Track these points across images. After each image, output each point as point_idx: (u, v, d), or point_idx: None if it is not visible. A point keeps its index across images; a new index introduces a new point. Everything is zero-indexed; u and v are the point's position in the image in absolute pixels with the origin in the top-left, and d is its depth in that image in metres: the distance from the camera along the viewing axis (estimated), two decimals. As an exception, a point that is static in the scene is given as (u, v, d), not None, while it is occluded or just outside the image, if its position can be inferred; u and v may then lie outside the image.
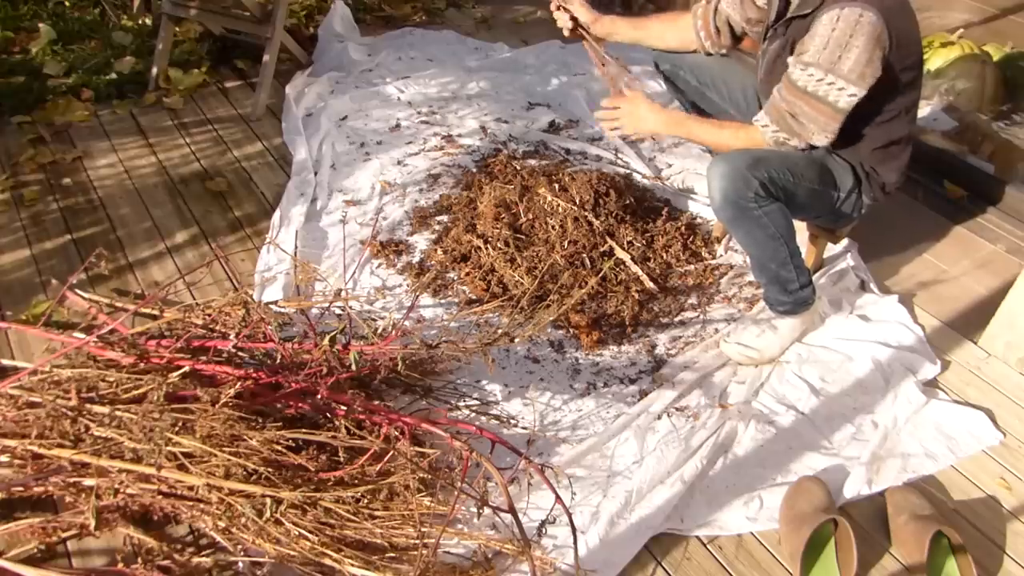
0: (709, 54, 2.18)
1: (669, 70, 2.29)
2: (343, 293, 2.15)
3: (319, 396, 1.57)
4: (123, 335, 1.69)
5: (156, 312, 2.04)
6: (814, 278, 2.25)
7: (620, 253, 2.27)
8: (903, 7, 1.81)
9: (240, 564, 1.53)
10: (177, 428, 1.47)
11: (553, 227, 2.31)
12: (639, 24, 2.27)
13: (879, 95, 1.84)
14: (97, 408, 1.52)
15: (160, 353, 1.67)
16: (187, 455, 1.48)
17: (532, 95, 3.23)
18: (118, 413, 1.49)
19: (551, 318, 1.88)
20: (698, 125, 2.05)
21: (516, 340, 1.81)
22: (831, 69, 1.74)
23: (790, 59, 1.83)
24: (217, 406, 1.49)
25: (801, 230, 2.26)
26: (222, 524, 1.49)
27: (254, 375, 1.63)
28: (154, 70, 3.22)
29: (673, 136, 2.08)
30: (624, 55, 3.61)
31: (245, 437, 1.49)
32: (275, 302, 2.06)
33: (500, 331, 1.79)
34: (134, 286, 2.28)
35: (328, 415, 1.65)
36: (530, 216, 2.36)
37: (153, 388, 1.51)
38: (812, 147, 1.89)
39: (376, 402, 1.72)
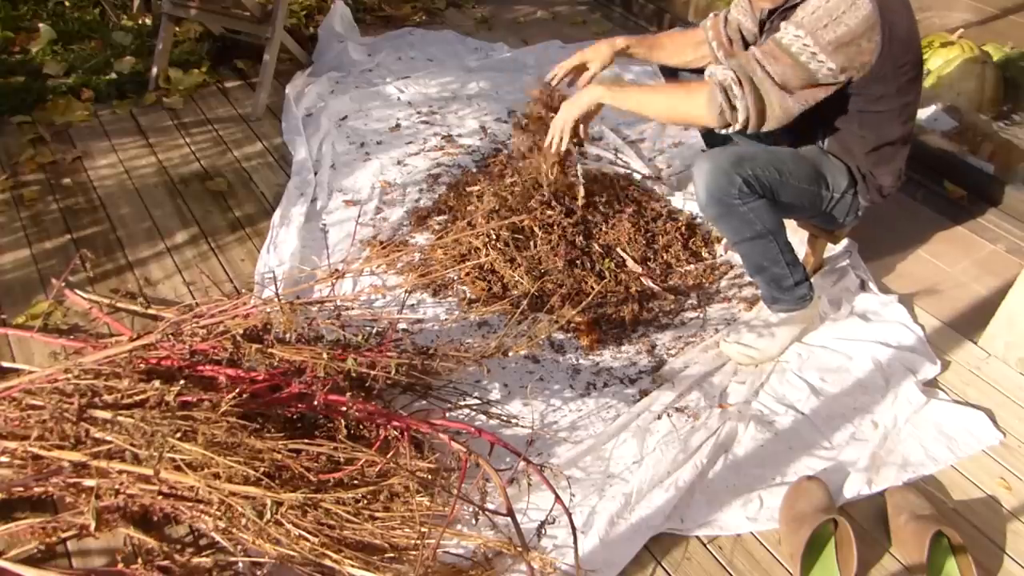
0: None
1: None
2: (339, 289, 2.15)
3: (317, 402, 1.57)
4: (124, 353, 1.66)
5: (156, 312, 2.04)
6: (814, 278, 2.25)
7: (631, 265, 2.26)
8: (903, 4, 1.81)
9: (240, 564, 1.53)
10: (179, 435, 1.47)
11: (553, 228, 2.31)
12: (653, 44, 2.22)
13: (875, 92, 1.83)
14: (99, 413, 1.52)
15: (161, 357, 1.67)
16: (188, 464, 1.48)
17: (532, 95, 3.23)
18: (120, 418, 1.49)
19: (546, 333, 1.96)
20: (634, 91, 1.95)
21: (510, 354, 1.83)
22: (813, 33, 1.69)
23: (783, 23, 1.77)
24: (218, 413, 1.49)
25: (798, 231, 2.27)
26: (222, 525, 1.49)
27: (254, 375, 1.63)
28: (154, 70, 3.22)
29: (615, 105, 1.95)
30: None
31: (246, 446, 1.49)
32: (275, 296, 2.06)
33: (496, 344, 1.81)
34: (134, 286, 2.28)
35: (327, 416, 1.65)
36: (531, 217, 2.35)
37: (155, 393, 1.51)
38: (741, 130, 1.78)
39: (375, 402, 1.72)
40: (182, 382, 1.55)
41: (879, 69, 1.77)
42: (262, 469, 1.47)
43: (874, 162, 1.95)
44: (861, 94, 1.83)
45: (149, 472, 1.46)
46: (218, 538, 1.54)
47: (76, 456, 1.52)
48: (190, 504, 1.53)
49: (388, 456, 1.58)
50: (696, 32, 2.17)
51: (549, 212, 2.30)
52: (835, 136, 1.94)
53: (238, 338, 1.59)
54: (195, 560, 1.53)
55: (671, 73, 2.25)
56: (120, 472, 1.51)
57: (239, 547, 1.52)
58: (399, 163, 2.79)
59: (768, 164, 1.85)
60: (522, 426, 1.83)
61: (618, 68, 2.22)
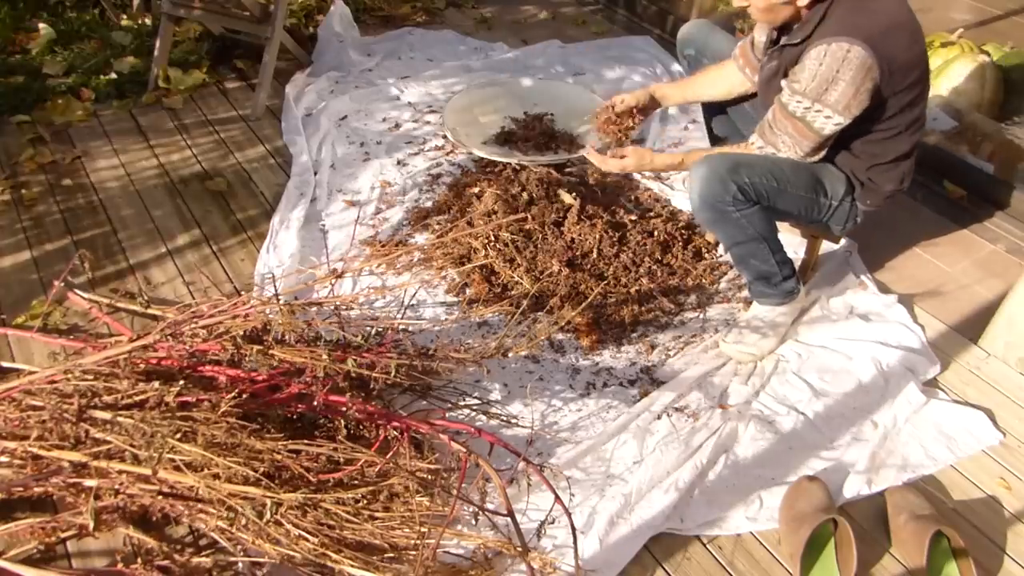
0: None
1: (692, 56, 2.33)
2: (338, 288, 2.15)
3: (316, 402, 1.57)
4: (124, 352, 1.66)
5: (156, 312, 2.04)
6: (814, 279, 2.25)
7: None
8: (898, 27, 1.80)
9: (240, 564, 1.53)
10: (178, 435, 1.47)
11: (553, 228, 2.31)
12: (685, 85, 2.34)
13: (878, 118, 1.86)
14: (98, 413, 1.52)
15: (161, 358, 1.67)
16: (188, 464, 1.48)
17: (532, 95, 3.22)
18: (120, 419, 1.49)
19: (546, 334, 1.98)
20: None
21: (510, 355, 1.83)
22: (818, 99, 1.79)
23: (783, 82, 1.87)
24: (218, 413, 1.49)
25: (794, 230, 2.27)
26: (222, 525, 1.49)
27: (253, 375, 1.62)
28: (154, 70, 3.22)
29: (673, 170, 2.27)
30: (627, 55, 3.60)
31: (245, 446, 1.48)
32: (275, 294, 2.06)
33: (496, 344, 1.81)
34: (133, 285, 2.28)
35: (327, 416, 1.65)
36: (530, 217, 2.35)
37: (154, 394, 1.51)
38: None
39: (375, 403, 1.72)
40: (182, 382, 1.55)
41: (880, 98, 1.81)
42: (262, 469, 1.47)
43: (880, 171, 1.96)
44: (867, 119, 1.86)
45: (148, 472, 1.46)
46: (218, 538, 1.54)
47: (76, 456, 1.52)
48: (190, 504, 1.53)
49: (388, 456, 1.58)
50: (726, 63, 2.22)
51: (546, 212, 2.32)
52: (843, 153, 1.96)
53: (238, 339, 1.59)
54: (195, 560, 1.53)
55: (713, 114, 2.37)
56: (120, 472, 1.51)
57: (239, 547, 1.52)
58: (399, 163, 2.79)
59: (766, 172, 1.86)
60: (522, 426, 1.83)
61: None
